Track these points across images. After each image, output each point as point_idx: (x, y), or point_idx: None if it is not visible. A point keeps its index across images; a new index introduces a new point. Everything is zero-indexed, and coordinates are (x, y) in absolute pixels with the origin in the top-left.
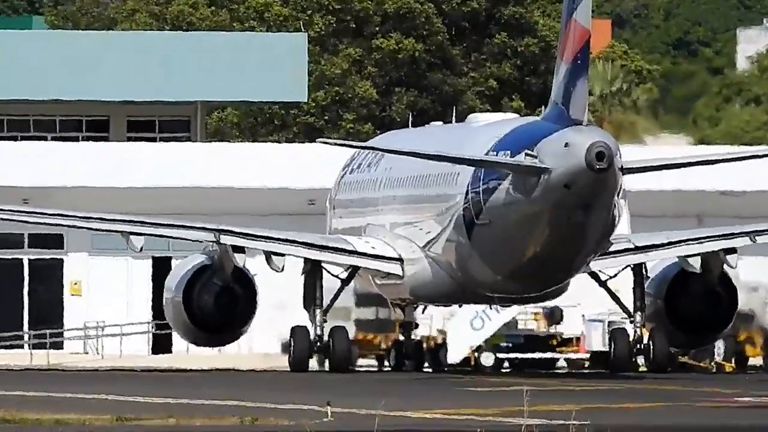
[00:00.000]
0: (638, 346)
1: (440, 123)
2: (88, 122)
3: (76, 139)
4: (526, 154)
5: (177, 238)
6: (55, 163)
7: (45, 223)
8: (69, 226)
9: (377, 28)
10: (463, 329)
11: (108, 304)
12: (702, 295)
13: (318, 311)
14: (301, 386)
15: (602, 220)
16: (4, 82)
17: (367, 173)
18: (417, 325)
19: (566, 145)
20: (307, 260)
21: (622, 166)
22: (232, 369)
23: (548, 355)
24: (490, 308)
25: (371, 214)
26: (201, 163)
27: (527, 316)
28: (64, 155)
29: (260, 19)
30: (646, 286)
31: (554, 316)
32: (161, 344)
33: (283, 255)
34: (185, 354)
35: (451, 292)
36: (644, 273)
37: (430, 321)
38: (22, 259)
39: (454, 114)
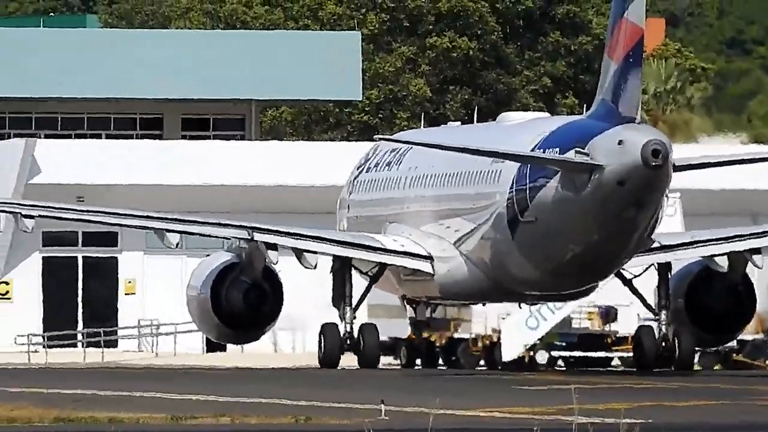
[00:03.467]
0: (664, 344)
1: (458, 123)
2: (143, 120)
3: (130, 137)
4: (577, 152)
5: (211, 236)
6: (109, 161)
7: (74, 219)
8: (98, 222)
9: (431, 27)
10: (517, 328)
11: (162, 303)
12: (722, 294)
13: (348, 308)
14: (352, 384)
15: (650, 217)
16: (59, 80)
17: (386, 172)
18: (428, 324)
19: (620, 142)
20: (336, 257)
21: (674, 164)
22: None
23: (602, 354)
24: (545, 307)
25: (394, 212)
26: (255, 161)
27: (581, 315)
28: (119, 153)
29: (314, 17)
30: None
31: (609, 315)
32: (215, 342)
33: (315, 252)
34: (239, 352)
35: (484, 289)
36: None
37: (484, 320)
38: (76, 257)
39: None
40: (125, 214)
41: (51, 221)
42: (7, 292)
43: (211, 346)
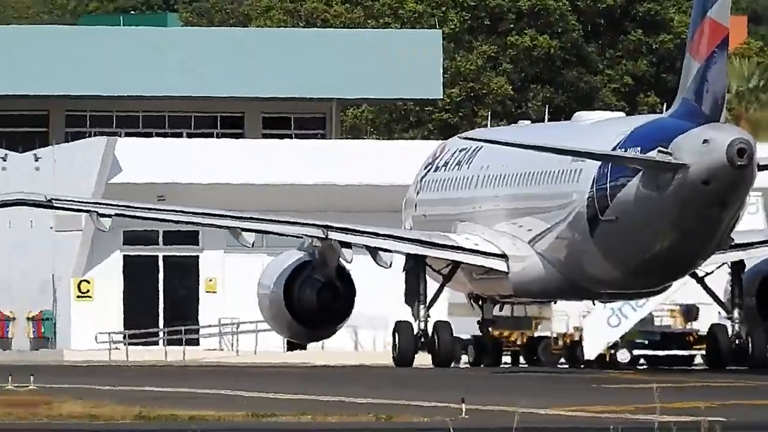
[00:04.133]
0: (737, 342)
1: (528, 122)
2: (223, 119)
3: (211, 136)
4: (660, 151)
5: (285, 234)
6: (190, 160)
7: (150, 218)
8: (171, 220)
9: (512, 25)
10: (599, 326)
11: (243, 301)
12: None
13: (421, 307)
14: (432, 383)
15: (732, 216)
16: (139, 79)
17: (456, 171)
18: (494, 322)
19: (705, 141)
20: (409, 256)
21: (758, 163)
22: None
23: (684, 352)
24: (627, 305)
25: (465, 211)
26: (336, 160)
27: (663, 313)
28: (199, 152)
29: (395, 15)
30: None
31: (690, 313)
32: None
33: (389, 251)
34: (320, 351)
35: (558, 288)
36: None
37: (566, 318)
38: (157, 256)
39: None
40: (199, 213)
41: (132, 220)
42: (89, 290)
43: (292, 345)
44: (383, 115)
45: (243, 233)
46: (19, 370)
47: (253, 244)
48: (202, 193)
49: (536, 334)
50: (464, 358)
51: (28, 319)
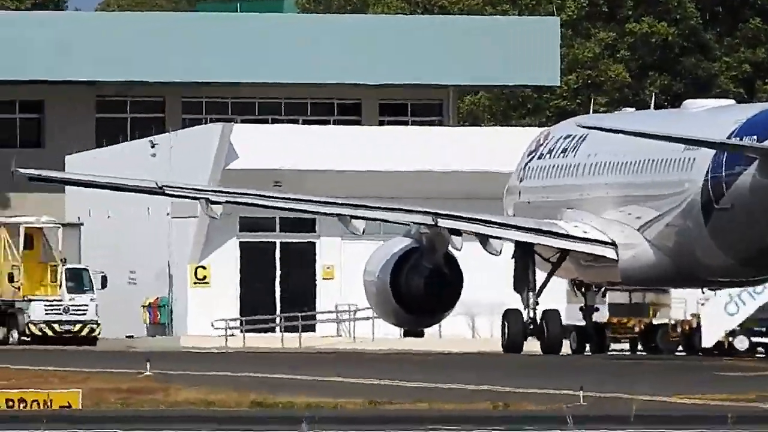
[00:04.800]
0: None
1: (632, 109)
2: (340, 106)
3: (327, 123)
4: None
5: (395, 222)
6: (306, 147)
7: (259, 205)
8: (282, 208)
9: (630, 12)
10: (717, 313)
11: (360, 288)
12: None
13: (531, 294)
14: (547, 370)
15: None
16: (256, 66)
17: (561, 159)
18: (597, 309)
19: None
20: (518, 243)
21: None
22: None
23: None
24: (745, 293)
25: (572, 199)
26: (453, 147)
27: None
28: (316, 139)
29: (512, 2)
30: None
31: None
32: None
33: (499, 238)
34: (437, 338)
35: (668, 275)
36: None
37: (684, 305)
38: (274, 243)
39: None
40: (307, 200)
41: (249, 206)
42: (205, 277)
43: (409, 331)
44: (500, 102)
45: (353, 221)
46: (135, 356)
47: (363, 231)
48: (318, 179)
49: (654, 321)
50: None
51: (144, 306)
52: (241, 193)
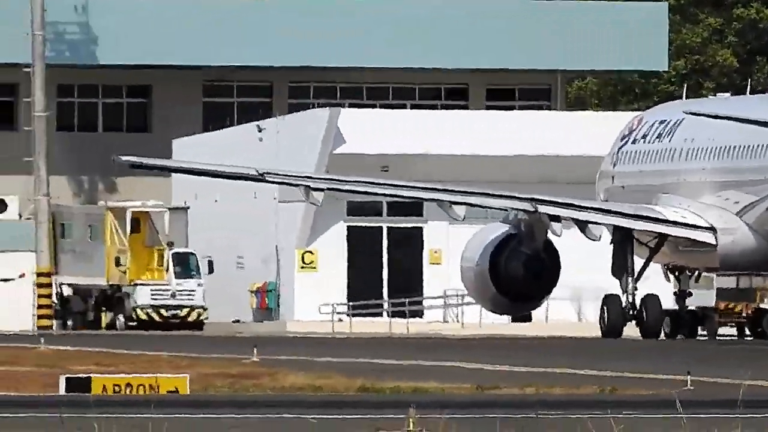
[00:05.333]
0: None
1: (727, 94)
2: (447, 90)
3: (434, 107)
4: None
5: (494, 208)
6: (414, 132)
7: (358, 192)
8: (381, 194)
9: None
10: None
11: None
12: None
13: (629, 279)
14: (654, 355)
15: None
16: (364, 50)
17: (656, 144)
18: (691, 294)
19: None
20: (617, 229)
21: None
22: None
23: None
24: None
25: (668, 183)
26: (560, 132)
27: None
28: (424, 123)
29: None
30: None
31: None
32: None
33: (598, 224)
34: (544, 323)
35: (765, 260)
36: None
37: None
38: (381, 227)
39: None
40: (405, 186)
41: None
42: (312, 261)
43: (517, 316)
44: (608, 87)
45: (453, 207)
46: (242, 341)
47: (464, 217)
48: (425, 164)
49: (762, 306)
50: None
51: (251, 291)
52: (340, 180)
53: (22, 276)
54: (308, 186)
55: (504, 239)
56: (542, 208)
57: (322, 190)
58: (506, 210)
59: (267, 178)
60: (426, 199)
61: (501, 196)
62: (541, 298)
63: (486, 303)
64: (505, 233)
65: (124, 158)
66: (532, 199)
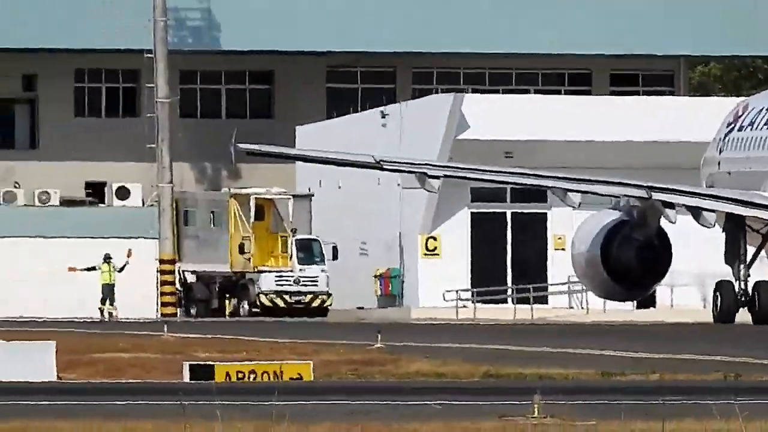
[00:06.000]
0: None
1: None
2: (570, 76)
3: (558, 93)
4: None
5: (607, 195)
6: (537, 117)
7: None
8: (495, 181)
9: None
10: None
11: None
12: None
13: (742, 266)
14: None
15: None
16: (487, 36)
17: (765, 130)
18: None
19: None
20: (729, 216)
21: None
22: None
23: None
24: None
25: None
26: (683, 117)
27: None
28: (547, 109)
29: None
30: None
31: None
32: (645, 298)
33: (713, 211)
34: (668, 308)
35: None
36: None
37: None
38: (505, 213)
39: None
40: (519, 173)
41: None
42: (436, 248)
43: (641, 303)
44: (731, 72)
45: (569, 194)
46: (365, 328)
47: (579, 204)
48: (548, 150)
49: None
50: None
51: (375, 277)
52: (457, 167)
53: (129, 255)
54: (425, 173)
55: (616, 226)
56: (656, 195)
57: (438, 177)
58: (618, 197)
59: (384, 166)
60: (540, 186)
61: (614, 183)
62: (652, 285)
63: (596, 289)
64: (617, 220)
65: (242, 146)
66: (647, 187)
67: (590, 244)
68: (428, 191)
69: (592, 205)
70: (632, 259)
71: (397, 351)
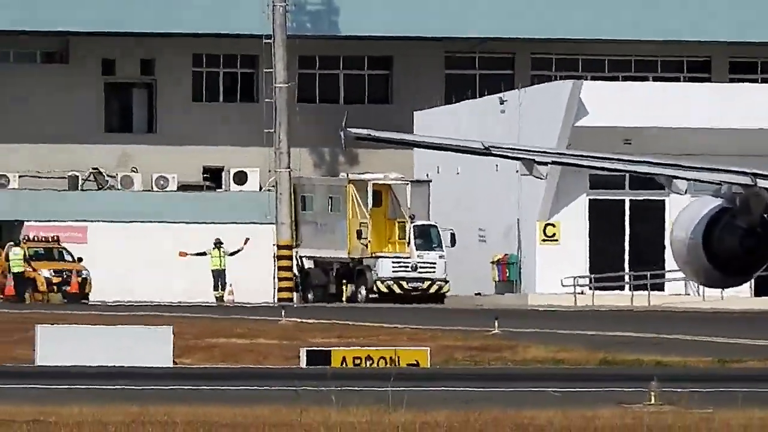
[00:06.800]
0: None
1: None
2: (690, 63)
3: (677, 80)
4: None
5: (709, 182)
6: (656, 104)
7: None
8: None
9: None
10: None
11: None
12: None
13: None
14: None
15: None
16: (606, 22)
17: None
18: None
19: None
20: None
21: None
22: None
23: None
24: None
25: None
26: None
27: None
28: (667, 96)
29: None
30: None
31: None
32: (765, 286)
33: None
34: None
35: None
36: None
37: None
38: (623, 200)
39: None
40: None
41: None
42: (554, 234)
43: (761, 290)
44: None
45: (674, 181)
46: (483, 314)
47: (686, 191)
48: (668, 136)
49: None
50: None
51: (493, 263)
52: (565, 154)
53: (246, 242)
54: (533, 159)
55: (718, 213)
56: (762, 183)
57: (546, 164)
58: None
59: (492, 152)
60: (642, 173)
61: (718, 170)
62: (754, 272)
63: (697, 277)
64: (719, 206)
65: (353, 131)
66: (751, 173)
67: (692, 230)
68: (536, 178)
69: (704, 192)
70: (735, 246)
71: (515, 337)
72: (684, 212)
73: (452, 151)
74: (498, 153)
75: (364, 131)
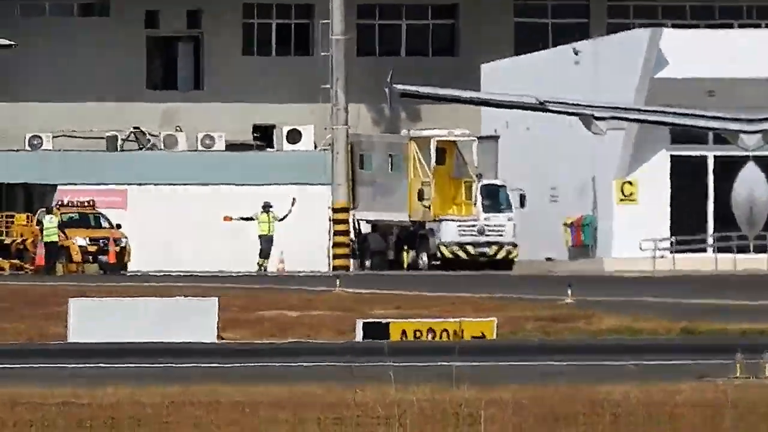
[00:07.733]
0: None
1: None
2: None
3: (759, 27)
4: None
5: None
6: (740, 54)
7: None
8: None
9: None
10: None
11: None
12: None
13: None
14: None
15: None
16: None
17: None
18: None
19: None
20: None
21: None
22: None
23: None
24: None
25: None
26: None
27: None
28: (751, 45)
29: None
30: None
31: None
32: None
33: None
34: None
35: None
36: None
37: None
38: (706, 157)
39: None
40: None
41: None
42: (632, 193)
43: None
44: None
45: (742, 136)
46: (555, 281)
47: (752, 146)
48: (752, 88)
49: None
50: None
51: (566, 225)
52: (625, 108)
53: (293, 203)
54: (592, 115)
55: None
56: None
57: (604, 119)
58: None
59: (548, 107)
60: (704, 128)
61: None
62: None
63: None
64: None
65: (400, 87)
66: None
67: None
68: (594, 134)
69: None
70: None
71: (589, 306)
72: (745, 170)
73: (504, 107)
74: (553, 108)
75: (411, 87)
